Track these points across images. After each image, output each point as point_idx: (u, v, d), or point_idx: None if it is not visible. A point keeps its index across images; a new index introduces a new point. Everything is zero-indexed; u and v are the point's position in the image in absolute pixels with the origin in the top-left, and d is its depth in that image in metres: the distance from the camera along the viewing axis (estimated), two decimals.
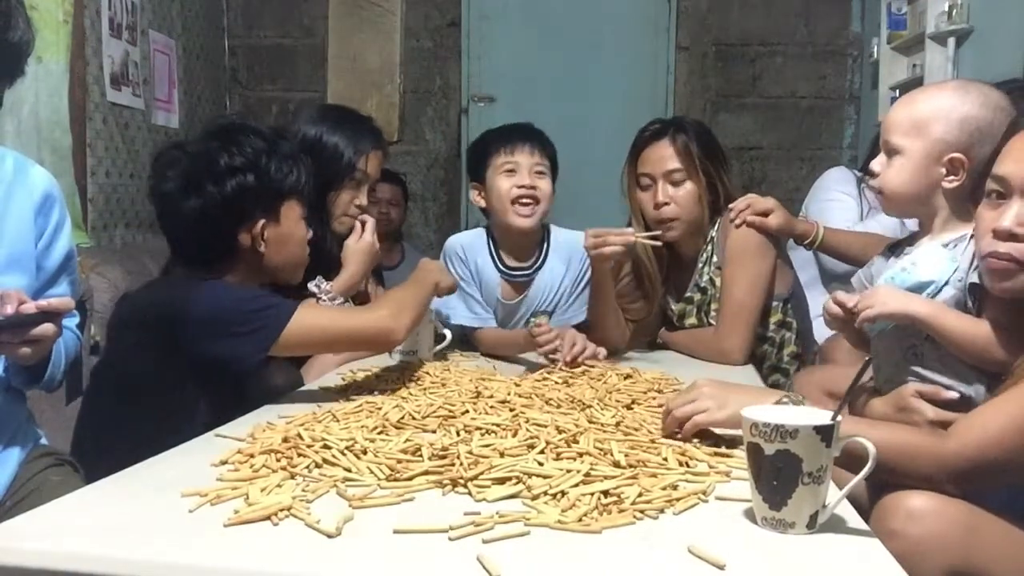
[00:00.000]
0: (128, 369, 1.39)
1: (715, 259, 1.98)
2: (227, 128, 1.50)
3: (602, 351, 1.75)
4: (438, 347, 1.86)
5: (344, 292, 1.83)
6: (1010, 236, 1.16)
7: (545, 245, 2.04)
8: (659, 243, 1.88)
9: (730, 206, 1.94)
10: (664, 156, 1.95)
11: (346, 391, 1.50)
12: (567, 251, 2.04)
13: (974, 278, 1.28)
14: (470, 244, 2.05)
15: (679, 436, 1.17)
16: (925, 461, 1.08)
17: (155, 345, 1.36)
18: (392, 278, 2.59)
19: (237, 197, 1.43)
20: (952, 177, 1.35)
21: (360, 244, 1.88)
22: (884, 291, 1.33)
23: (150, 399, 1.36)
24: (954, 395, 1.27)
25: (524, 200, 1.94)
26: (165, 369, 1.35)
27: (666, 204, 1.93)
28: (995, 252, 1.18)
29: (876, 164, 1.43)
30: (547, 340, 1.72)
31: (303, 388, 1.59)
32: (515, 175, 1.95)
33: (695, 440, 1.16)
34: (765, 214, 1.91)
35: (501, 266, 2.03)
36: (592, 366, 1.70)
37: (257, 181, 1.45)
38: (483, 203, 2.02)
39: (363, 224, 1.91)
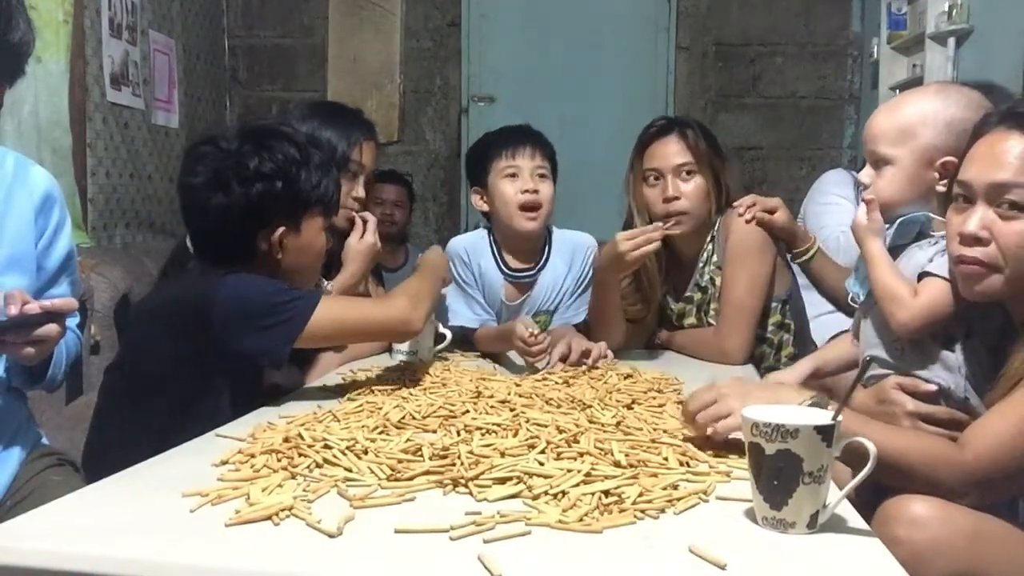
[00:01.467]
0: (150, 367, 1.38)
1: (715, 258, 1.98)
2: (263, 131, 1.49)
3: (609, 352, 1.76)
4: (438, 347, 1.86)
5: (344, 291, 1.82)
6: (975, 240, 1.17)
7: (547, 246, 2.05)
8: (678, 230, 1.90)
9: (734, 204, 1.94)
10: (673, 151, 1.95)
11: (346, 391, 1.50)
12: (569, 251, 2.05)
13: (930, 268, 1.31)
14: (473, 246, 2.05)
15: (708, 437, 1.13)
16: (944, 471, 1.08)
17: (181, 341, 1.35)
18: (395, 280, 2.58)
19: (261, 202, 1.42)
20: (945, 180, 1.35)
21: (361, 244, 1.88)
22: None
23: (174, 396, 1.35)
24: (932, 387, 1.28)
25: (528, 206, 1.95)
26: (191, 365, 1.35)
27: (676, 198, 1.93)
28: (963, 256, 1.19)
29: (864, 176, 1.43)
30: (539, 352, 1.71)
31: (303, 388, 1.59)
32: (517, 179, 1.96)
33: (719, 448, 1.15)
34: (771, 212, 1.91)
35: (504, 268, 2.04)
36: (596, 367, 1.70)
37: (284, 189, 1.44)
38: (485, 207, 2.03)
39: (364, 222, 1.90)
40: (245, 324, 1.34)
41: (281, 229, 1.45)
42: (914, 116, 1.37)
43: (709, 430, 1.12)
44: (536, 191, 1.95)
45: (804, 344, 2.05)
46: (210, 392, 1.37)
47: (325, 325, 1.39)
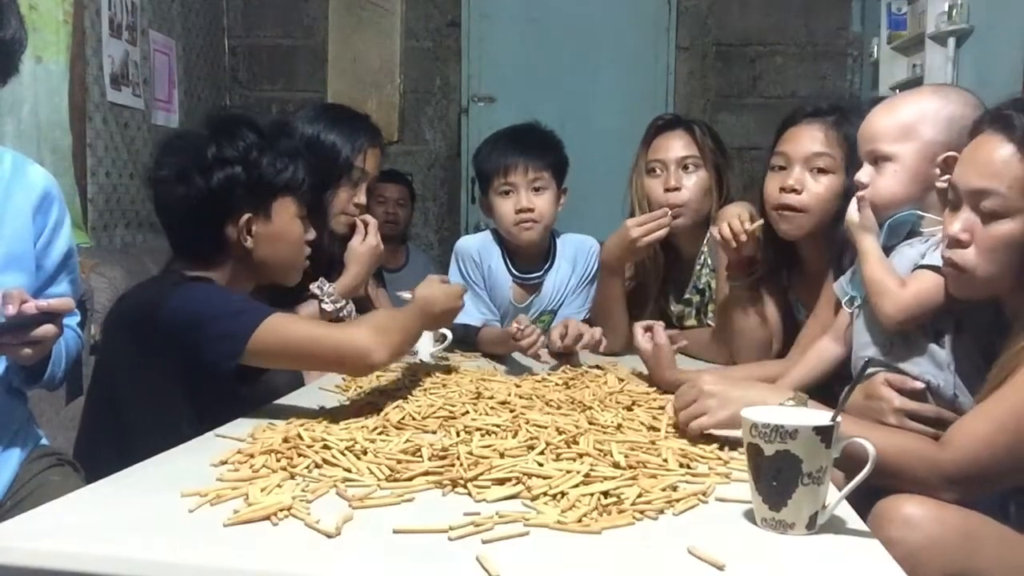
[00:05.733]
0: (119, 371, 1.37)
1: (710, 261, 1.98)
2: (224, 120, 1.48)
3: (599, 335, 1.78)
4: (438, 347, 1.86)
5: (346, 294, 1.83)
6: (957, 242, 1.18)
7: (552, 249, 2.06)
8: (679, 222, 1.91)
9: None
10: (678, 144, 1.96)
11: (346, 391, 1.50)
12: (572, 251, 2.08)
13: (923, 262, 1.32)
14: (483, 247, 2.06)
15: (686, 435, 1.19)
16: (923, 469, 1.09)
17: (139, 347, 1.34)
18: (395, 280, 2.58)
19: (224, 189, 1.40)
20: (946, 177, 1.35)
21: (363, 246, 1.88)
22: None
23: (140, 401, 1.34)
24: (920, 385, 1.28)
25: (524, 223, 1.96)
26: (147, 373, 1.33)
27: (677, 189, 1.93)
28: (944, 257, 1.22)
29: (863, 176, 1.43)
30: (531, 344, 1.72)
31: (303, 388, 1.59)
32: (512, 196, 1.97)
33: (698, 442, 1.17)
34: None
35: (513, 270, 2.05)
36: (596, 358, 1.70)
37: (246, 175, 1.42)
38: (491, 215, 2.05)
39: (366, 224, 1.90)
40: (190, 335, 1.29)
41: (247, 216, 1.43)
42: (915, 114, 1.38)
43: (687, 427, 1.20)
44: (531, 208, 1.95)
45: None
46: (169, 402, 1.34)
47: (270, 342, 1.29)
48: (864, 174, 1.43)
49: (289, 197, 1.48)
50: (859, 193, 1.43)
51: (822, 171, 1.63)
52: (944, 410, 1.26)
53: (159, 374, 1.33)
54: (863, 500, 1.08)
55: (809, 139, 1.65)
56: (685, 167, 1.94)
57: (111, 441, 1.34)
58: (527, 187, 1.96)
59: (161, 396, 1.34)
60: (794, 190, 1.64)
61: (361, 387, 1.53)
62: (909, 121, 1.38)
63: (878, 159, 1.41)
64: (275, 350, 1.31)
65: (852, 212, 1.43)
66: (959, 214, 1.19)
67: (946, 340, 1.29)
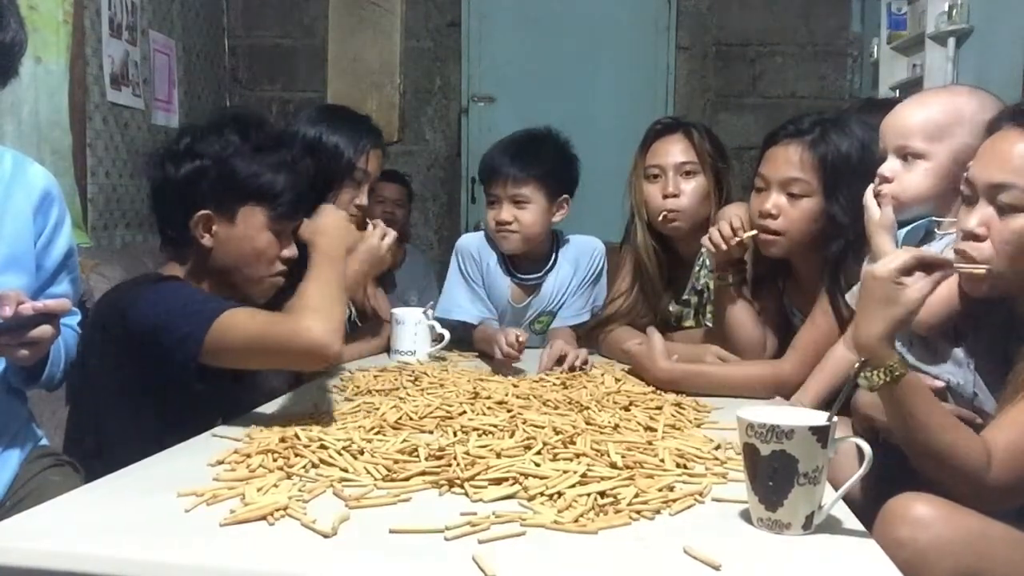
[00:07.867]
0: (95, 375, 1.36)
1: (708, 263, 1.97)
2: (222, 116, 1.49)
3: (588, 357, 1.77)
4: (436, 347, 1.86)
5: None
6: (974, 237, 1.18)
7: (555, 251, 2.06)
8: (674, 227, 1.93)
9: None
10: (676, 149, 1.95)
11: (344, 391, 1.50)
12: (575, 253, 2.08)
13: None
14: (483, 246, 2.07)
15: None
16: (969, 487, 1.07)
17: (112, 352, 1.33)
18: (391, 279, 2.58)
19: (189, 181, 1.40)
20: None
21: (363, 246, 1.86)
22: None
23: (114, 408, 1.34)
24: (940, 384, 1.28)
25: (501, 233, 1.99)
26: (123, 377, 1.32)
27: (674, 195, 1.93)
28: (958, 250, 1.20)
29: (887, 170, 1.41)
30: (511, 357, 1.72)
31: (301, 388, 1.59)
32: (495, 207, 2.00)
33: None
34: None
35: (511, 270, 2.05)
36: (581, 368, 1.70)
37: (214, 171, 1.40)
38: None
39: (365, 226, 1.90)
40: (152, 338, 1.27)
41: (207, 212, 1.40)
42: (951, 115, 1.37)
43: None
44: (508, 221, 1.98)
45: None
46: (139, 410, 1.33)
47: (223, 339, 1.25)
48: (888, 168, 1.41)
49: (260, 207, 1.43)
50: (882, 187, 1.41)
51: (798, 195, 1.63)
52: (962, 409, 1.25)
53: (130, 380, 1.32)
54: (876, 499, 1.08)
55: (784, 163, 1.64)
56: (684, 173, 1.94)
57: (91, 445, 1.34)
58: (508, 200, 1.98)
59: (132, 403, 1.33)
60: (770, 215, 1.65)
61: (359, 387, 1.54)
62: (945, 121, 1.37)
63: (908, 155, 1.40)
64: (228, 347, 1.26)
65: (873, 209, 1.41)
66: (976, 209, 1.18)
67: (966, 339, 1.28)
